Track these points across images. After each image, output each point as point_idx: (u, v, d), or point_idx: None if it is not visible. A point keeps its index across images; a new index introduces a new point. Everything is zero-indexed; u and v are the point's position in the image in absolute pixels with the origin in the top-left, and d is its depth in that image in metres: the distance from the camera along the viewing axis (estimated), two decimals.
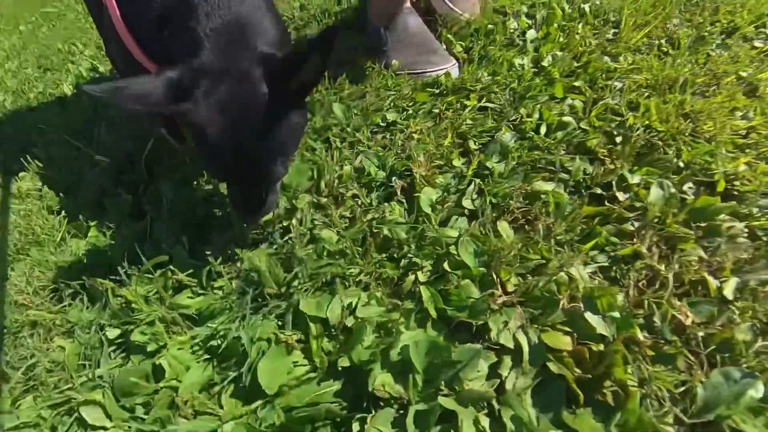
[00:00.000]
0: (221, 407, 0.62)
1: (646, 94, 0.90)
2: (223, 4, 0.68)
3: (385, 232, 0.74)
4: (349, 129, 0.99)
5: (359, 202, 0.83)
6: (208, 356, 0.69)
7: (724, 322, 0.62)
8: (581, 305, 0.64)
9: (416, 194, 0.79)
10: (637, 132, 0.80)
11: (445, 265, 0.68)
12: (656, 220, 0.69)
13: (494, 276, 0.65)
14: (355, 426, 0.58)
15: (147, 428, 0.60)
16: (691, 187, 0.74)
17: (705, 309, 0.64)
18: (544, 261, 0.68)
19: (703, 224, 0.69)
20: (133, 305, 0.74)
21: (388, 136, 0.95)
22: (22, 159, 1.26)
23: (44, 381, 0.71)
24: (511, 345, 0.62)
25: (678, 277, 0.64)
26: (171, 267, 0.79)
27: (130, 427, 0.61)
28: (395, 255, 0.73)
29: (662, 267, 0.65)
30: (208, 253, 0.79)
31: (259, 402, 0.61)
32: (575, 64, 1.01)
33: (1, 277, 0.91)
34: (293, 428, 0.58)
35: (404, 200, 0.81)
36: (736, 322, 0.62)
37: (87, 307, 0.80)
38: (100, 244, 0.90)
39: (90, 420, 0.63)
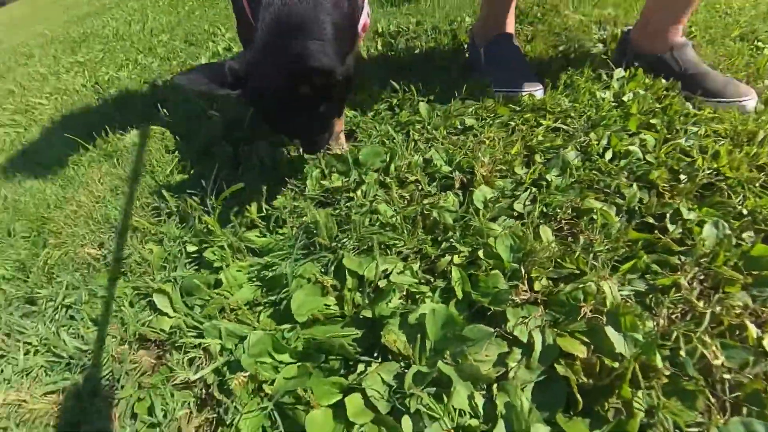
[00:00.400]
0: (258, 322, 0.76)
1: (722, 142, 0.90)
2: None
3: (435, 215, 0.84)
4: (429, 126, 1.11)
5: (419, 188, 0.93)
6: (259, 283, 0.83)
7: (758, 373, 0.61)
8: (604, 319, 0.67)
9: (472, 189, 0.88)
10: (704, 173, 0.81)
11: (480, 253, 0.76)
12: (704, 258, 0.70)
13: (524, 272, 0.72)
14: (361, 366, 0.67)
15: (198, 320, 0.76)
16: (751, 236, 0.72)
17: (739, 355, 0.62)
18: (578, 272, 0.73)
19: (755, 272, 0.68)
20: (211, 230, 0.93)
21: (461, 138, 1.05)
22: (155, 109, 1.58)
23: (133, 270, 0.91)
24: (524, 339, 0.67)
25: (715, 318, 0.65)
26: (247, 207, 0.96)
27: (187, 315, 0.78)
28: (438, 238, 0.83)
29: (700, 303, 0.66)
30: (281, 201, 0.96)
31: (288, 325, 0.74)
32: (656, 105, 1.03)
33: (132, 192, 1.17)
34: (309, 353, 0.70)
35: (460, 193, 0.90)
36: None
37: (176, 225, 1.00)
38: (198, 180, 1.12)
39: (159, 305, 0.81)
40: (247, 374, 0.65)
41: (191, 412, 0.68)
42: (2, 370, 0.85)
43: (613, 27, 1.51)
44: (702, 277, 0.69)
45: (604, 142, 0.94)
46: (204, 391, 0.70)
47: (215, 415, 0.67)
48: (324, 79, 0.76)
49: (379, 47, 1.69)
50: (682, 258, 0.71)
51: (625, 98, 1.08)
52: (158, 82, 1.98)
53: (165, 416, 0.66)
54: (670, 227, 0.76)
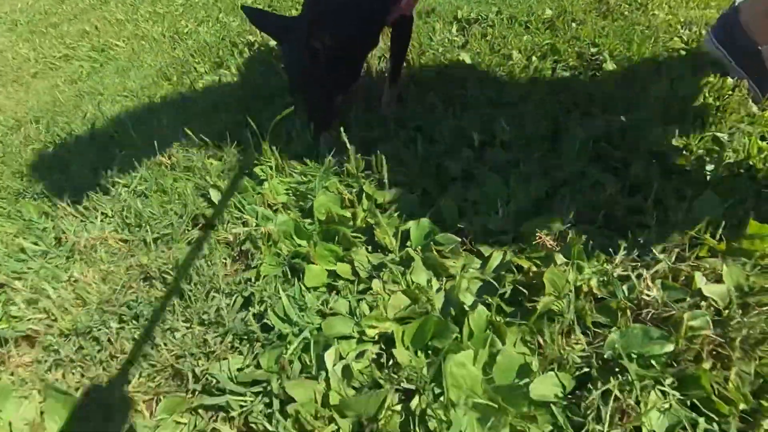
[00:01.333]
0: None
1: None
2: None
3: (445, 164, 1.30)
4: (469, 99, 1.58)
5: (442, 144, 1.41)
6: (295, 196, 1.34)
7: (683, 308, 0.89)
8: (558, 248, 1.07)
9: (488, 148, 1.33)
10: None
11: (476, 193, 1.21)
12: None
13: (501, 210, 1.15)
14: (356, 249, 1.14)
15: (242, 202, 1.29)
16: None
17: (675, 294, 0.93)
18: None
19: (735, 244, 0.99)
20: (264, 152, 1.45)
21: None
22: (229, 58, 2.20)
23: (196, 173, 1.47)
24: (486, 254, 1.10)
25: (673, 270, 0.98)
26: (295, 138, 1.49)
27: (239, 203, 1.30)
28: (445, 183, 1.29)
29: (661, 256, 0.99)
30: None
31: (310, 219, 1.23)
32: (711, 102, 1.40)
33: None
34: (320, 237, 1.18)
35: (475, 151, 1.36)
36: (699, 316, 0.88)
37: (235, 147, 1.56)
38: (261, 120, 1.66)
39: (212, 197, 1.36)
40: (270, 227, 1.15)
41: (227, 264, 1.19)
42: (85, 228, 1.42)
43: (700, 27, 1.82)
44: (684, 244, 1.02)
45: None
46: (239, 252, 1.20)
47: (243, 267, 1.17)
48: (331, 41, 1.26)
49: (454, 31, 2.19)
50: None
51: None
52: (235, 38, 2.64)
53: (211, 256, 1.18)
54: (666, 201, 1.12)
